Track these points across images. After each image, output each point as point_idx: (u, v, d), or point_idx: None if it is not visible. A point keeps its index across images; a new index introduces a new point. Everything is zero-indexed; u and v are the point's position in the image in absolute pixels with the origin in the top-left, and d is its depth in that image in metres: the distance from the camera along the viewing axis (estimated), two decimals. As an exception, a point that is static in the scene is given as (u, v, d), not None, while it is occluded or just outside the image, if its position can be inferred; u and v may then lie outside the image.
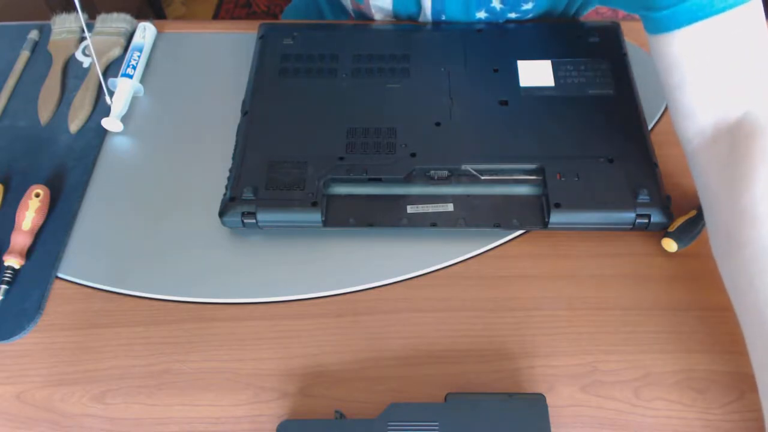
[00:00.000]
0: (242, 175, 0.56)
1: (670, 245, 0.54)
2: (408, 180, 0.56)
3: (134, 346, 0.51)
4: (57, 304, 0.53)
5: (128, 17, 0.71)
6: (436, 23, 0.68)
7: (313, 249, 0.56)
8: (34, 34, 0.70)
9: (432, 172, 0.56)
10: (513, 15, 0.67)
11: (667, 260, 0.55)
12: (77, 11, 0.57)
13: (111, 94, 0.64)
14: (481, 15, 0.66)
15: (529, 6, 0.65)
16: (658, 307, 0.52)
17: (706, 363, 0.49)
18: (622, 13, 0.90)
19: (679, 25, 0.49)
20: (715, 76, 0.50)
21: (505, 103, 0.60)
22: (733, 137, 0.49)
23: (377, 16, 0.71)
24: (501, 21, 0.67)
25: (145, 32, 0.69)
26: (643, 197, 0.53)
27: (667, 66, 0.52)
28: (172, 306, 0.53)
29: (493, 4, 0.65)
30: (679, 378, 0.49)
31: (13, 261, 0.54)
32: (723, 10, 0.48)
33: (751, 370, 0.49)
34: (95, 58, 0.61)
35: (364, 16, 0.73)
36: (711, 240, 0.50)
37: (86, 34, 0.60)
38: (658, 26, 0.51)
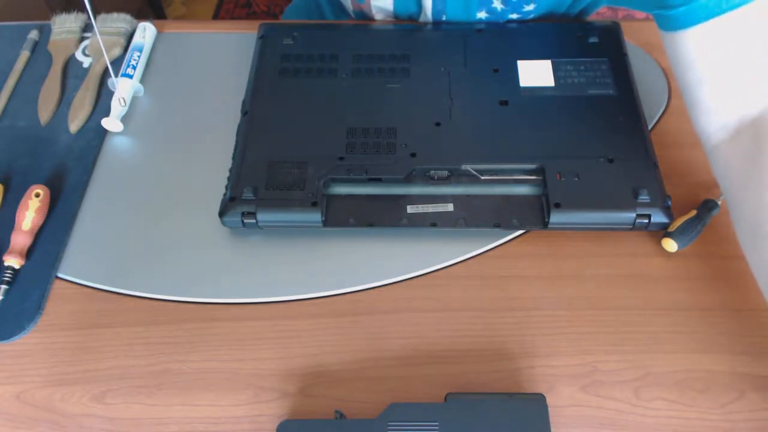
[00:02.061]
0: (242, 175, 0.56)
1: (670, 245, 0.54)
2: (408, 180, 0.56)
3: (134, 346, 0.51)
4: (57, 304, 0.53)
5: (128, 17, 0.71)
6: (437, 23, 0.68)
7: (313, 249, 0.56)
8: (34, 34, 0.70)
9: (432, 172, 0.56)
10: (514, 16, 0.67)
11: (667, 260, 0.55)
12: (86, 9, 0.57)
13: (111, 94, 0.64)
14: (482, 15, 0.66)
15: (530, 7, 0.65)
16: (658, 307, 0.52)
17: (706, 363, 0.49)
18: (622, 12, 0.90)
19: (695, 21, 0.50)
20: (734, 72, 0.50)
21: (505, 103, 0.60)
22: (756, 130, 0.49)
23: (378, 17, 0.71)
24: (502, 21, 0.67)
25: (145, 32, 0.69)
26: (643, 197, 0.53)
27: (684, 63, 0.52)
28: (172, 306, 0.53)
29: (494, 5, 0.65)
30: (679, 378, 0.49)
31: (13, 261, 0.54)
32: (737, 5, 0.48)
33: (751, 370, 0.49)
34: (106, 55, 0.61)
35: (364, 16, 0.73)
36: (737, 231, 0.51)
37: (95, 29, 0.59)
38: (673, 24, 0.51)
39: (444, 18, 0.67)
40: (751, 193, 0.48)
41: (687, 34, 0.51)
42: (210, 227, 0.57)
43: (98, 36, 0.60)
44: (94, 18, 0.69)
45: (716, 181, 0.54)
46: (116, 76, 0.65)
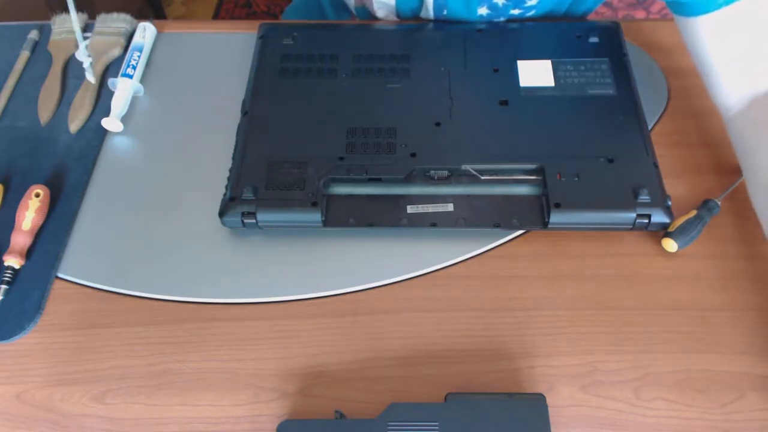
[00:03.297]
0: (242, 175, 0.56)
1: (670, 245, 0.54)
2: (408, 180, 0.56)
3: (134, 346, 0.51)
4: (57, 304, 0.53)
5: (128, 17, 0.71)
6: (438, 21, 0.68)
7: (313, 249, 0.56)
8: (34, 34, 0.70)
9: (432, 172, 0.56)
10: (515, 12, 0.67)
11: (667, 260, 0.55)
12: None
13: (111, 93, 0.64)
14: (483, 12, 0.66)
15: (533, 2, 0.65)
16: (658, 307, 0.52)
17: (706, 363, 0.49)
18: (622, 12, 0.90)
19: (711, 8, 0.53)
20: (747, 52, 0.54)
21: (505, 103, 0.60)
22: None
23: (379, 13, 0.71)
24: (503, 18, 0.67)
25: (145, 32, 0.69)
26: (643, 197, 0.53)
27: (701, 45, 0.56)
28: (172, 306, 0.53)
29: (495, 0, 0.65)
30: (679, 378, 0.49)
31: (13, 261, 0.54)
32: None
33: (752, 370, 0.49)
34: (78, 33, 0.59)
35: (366, 12, 0.73)
36: (752, 196, 0.54)
37: (73, 18, 0.58)
38: (689, 10, 0.55)
39: (445, 12, 0.67)
40: (765, 156, 0.52)
41: (703, 20, 0.55)
42: (210, 227, 0.57)
43: (74, 22, 0.58)
44: (86, 21, 0.69)
45: (734, 152, 0.57)
46: (114, 76, 0.65)
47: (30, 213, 0.55)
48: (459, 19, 0.68)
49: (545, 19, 0.70)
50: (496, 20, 0.68)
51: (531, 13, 0.68)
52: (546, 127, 0.58)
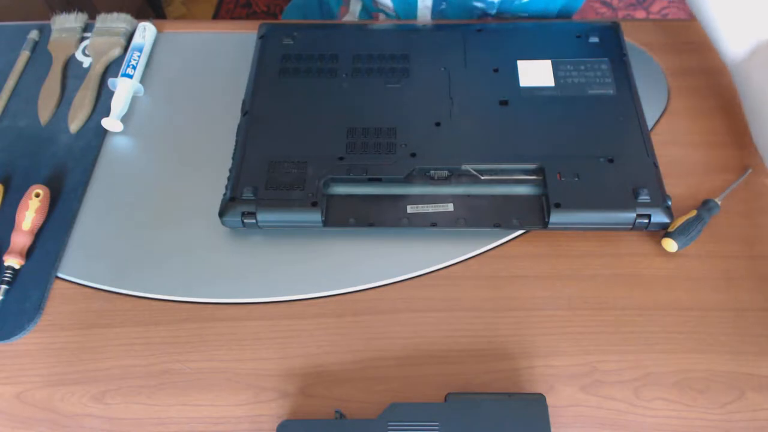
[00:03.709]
0: (242, 175, 0.56)
1: (670, 245, 0.54)
2: (408, 180, 0.56)
3: (134, 346, 0.51)
4: (57, 304, 0.53)
5: (128, 17, 0.71)
6: (437, 21, 0.68)
7: (313, 249, 0.56)
8: (34, 34, 0.70)
9: (432, 172, 0.56)
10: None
11: (667, 260, 0.55)
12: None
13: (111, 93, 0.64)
14: None
15: None
16: (658, 307, 0.52)
17: (706, 363, 0.49)
18: (622, 12, 0.90)
19: None
20: (750, 3, 0.57)
21: (505, 103, 0.60)
22: None
23: None
24: (508, 14, 0.67)
25: (145, 32, 0.69)
26: (643, 197, 0.53)
27: (703, 1, 0.59)
28: (172, 306, 0.53)
29: None
30: (679, 378, 0.49)
31: (13, 261, 0.54)
32: None
33: (751, 370, 0.49)
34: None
35: None
36: (757, 142, 0.57)
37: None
38: None
39: None
40: None
41: None
42: (210, 227, 0.57)
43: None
44: (86, 21, 0.69)
45: (740, 100, 0.60)
46: (114, 76, 0.65)
47: (30, 213, 0.55)
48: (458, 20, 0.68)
49: (544, 18, 0.70)
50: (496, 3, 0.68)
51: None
52: (546, 127, 0.58)
